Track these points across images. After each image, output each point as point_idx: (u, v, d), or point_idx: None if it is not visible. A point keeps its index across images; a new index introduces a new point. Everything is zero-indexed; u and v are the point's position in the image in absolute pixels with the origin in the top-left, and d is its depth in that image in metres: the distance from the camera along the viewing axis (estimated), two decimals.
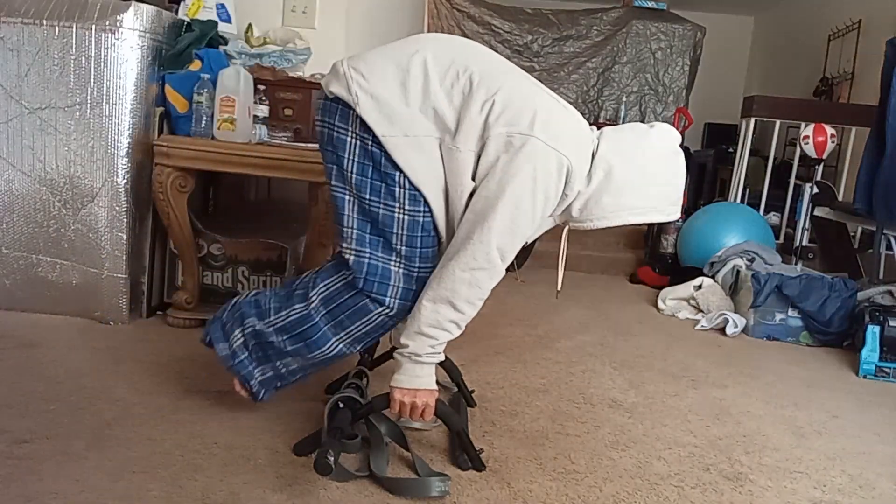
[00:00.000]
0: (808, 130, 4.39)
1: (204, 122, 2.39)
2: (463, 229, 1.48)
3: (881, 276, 3.47)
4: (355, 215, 1.53)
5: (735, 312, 3.31)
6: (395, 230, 1.52)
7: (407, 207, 1.51)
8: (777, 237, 4.64)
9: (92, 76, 2.37)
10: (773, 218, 5.05)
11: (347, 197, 1.53)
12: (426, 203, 1.52)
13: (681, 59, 6.25)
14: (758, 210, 4.72)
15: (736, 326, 3.20)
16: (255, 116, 2.44)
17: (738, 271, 3.50)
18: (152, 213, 2.53)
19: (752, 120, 4.92)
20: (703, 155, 6.40)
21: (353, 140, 1.51)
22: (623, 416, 2.04)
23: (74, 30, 2.35)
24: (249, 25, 2.98)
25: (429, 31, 5.64)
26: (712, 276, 3.67)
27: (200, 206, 2.88)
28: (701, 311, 3.44)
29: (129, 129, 2.40)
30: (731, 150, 5.83)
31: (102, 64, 2.36)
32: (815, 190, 4.19)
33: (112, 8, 2.36)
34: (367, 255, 1.53)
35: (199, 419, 1.74)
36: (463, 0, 6.03)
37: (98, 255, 2.43)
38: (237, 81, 2.36)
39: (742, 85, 8.12)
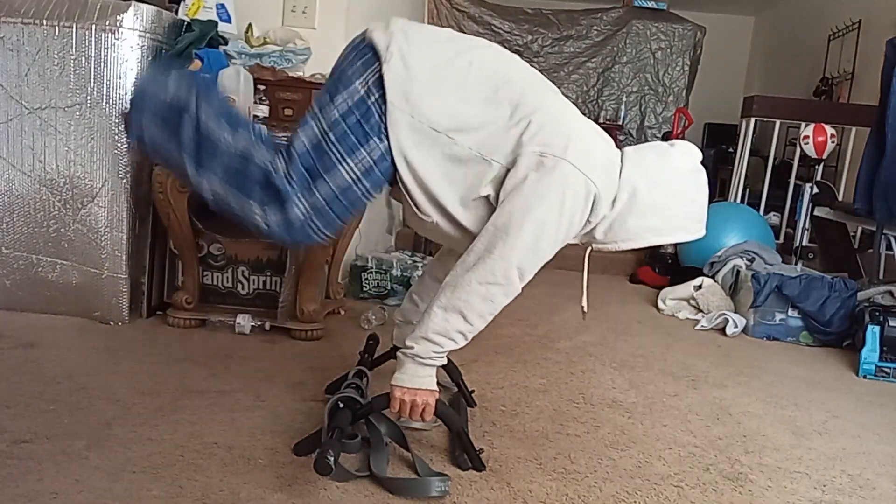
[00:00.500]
0: (808, 130, 4.39)
1: None
2: (483, 240, 1.47)
3: (881, 276, 3.47)
4: (309, 146, 1.50)
5: (735, 312, 3.31)
6: (330, 182, 1.50)
7: (357, 173, 1.49)
8: (777, 237, 4.64)
9: (92, 76, 2.37)
10: (773, 218, 5.06)
11: (315, 127, 1.50)
12: (375, 184, 1.50)
13: (681, 59, 6.25)
14: (758, 210, 4.72)
15: (736, 326, 3.20)
16: (255, 116, 2.44)
17: (738, 271, 3.50)
18: (152, 213, 2.53)
19: (752, 120, 4.92)
20: (703, 155, 6.38)
21: (361, 87, 1.49)
22: (623, 416, 2.04)
23: (74, 30, 2.35)
24: (249, 25, 2.98)
25: None
26: (712, 276, 3.67)
27: (200, 206, 2.88)
28: (701, 311, 3.44)
29: None
30: (731, 150, 5.83)
31: (102, 64, 2.36)
32: (815, 190, 4.19)
33: (112, 8, 2.36)
34: (290, 181, 1.49)
35: (199, 419, 1.74)
36: (463, 0, 6.04)
37: (98, 255, 2.43)
38: (237, 81, 2.36)
39: (742, 85, 8.12)
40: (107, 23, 2.35)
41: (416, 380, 1.53)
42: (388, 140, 1.48)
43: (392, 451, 1.63)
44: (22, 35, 2.36)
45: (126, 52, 2.37)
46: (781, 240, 4.75)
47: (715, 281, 3.60)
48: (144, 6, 2.40)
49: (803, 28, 6.89)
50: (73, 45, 2.36)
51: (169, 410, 1.78)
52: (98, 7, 2.36)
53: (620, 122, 6.18)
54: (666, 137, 5.53)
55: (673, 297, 3.60)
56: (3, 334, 2.23)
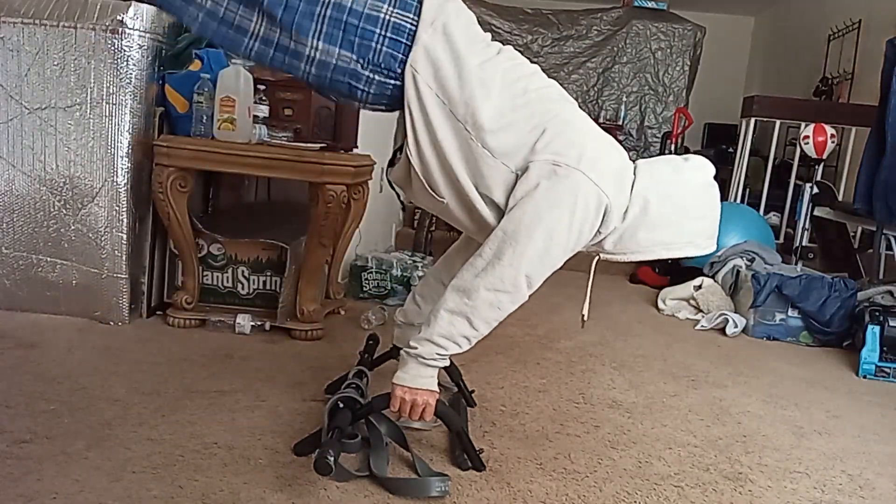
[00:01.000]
0: (808, 130, 4.39)
1: (204, 122, 2.39)
2: (492, 245, 1.47)
3: (881, 276, 3.48)
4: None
5: (735, 312, 3.31)
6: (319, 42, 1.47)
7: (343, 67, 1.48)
8: (777, 237, 4.64)
9: (92, 76, 2.36)
10: (773, 218, 5.06)
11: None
12: (355, 85, 1.49)
13: (681, 59, 6.25)
14: (758, 210, 4.72)
15: (736, 326, 3.20)
16: (255, 116, 2.43)
17: (738, 271, 3.50)
18: (152, 213, 2.53)
19: (752, 120, 4.93)
20: (702, 155, 6.38)
21: (399, 22, 1.48)
22: (623, 416, 2.04)
23: (74, 30, 2.35)
24: None
25: None
26: (712, 276, 3.67)
27: (200, 206, 2.88)
28: (701, 311, 3.44)
29: (129, 129, 2.40)
30: (731, 150, 5.83)
31: (102, 64, 2.36)
32: (815, 190, 4.19)
33: (112, 8, 2.36)
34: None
35: (199, 419, 1.74)
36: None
37: (98, 255, 2.43)
38: (237, 81, 2.36)
39: (742, 85, 8.12)
40: (107, 22, 2.35)
41: (418, 380, 1.53)
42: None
43: (392, 451, 1.63)
44: (22, 35, 2.36)
45: (126, 52, 2.36)
46: (781, 240, 4.75)
47: (715, 281, 3.60)
48: (144, 6, 2.40)
49: (803, 28, 6.89)
50: (73, 45, 2.36)
51: (169, 410, 1.78)
52: (98, 7, 2.36)
53: (620, 122, 6.19)
54: (666, 137, 5.53)
55: (673, 297, 3.60)
56: (3, 334, 2.23)
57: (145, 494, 1.38)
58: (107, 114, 2.38)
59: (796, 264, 3.93)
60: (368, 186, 2.88)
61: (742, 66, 8.30)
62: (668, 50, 6.24)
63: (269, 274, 2.63)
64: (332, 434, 1.49)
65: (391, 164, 1.69)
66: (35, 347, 2.15)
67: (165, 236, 2.59)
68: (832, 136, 4.36)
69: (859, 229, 4.20)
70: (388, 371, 1.72)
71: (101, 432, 1.62)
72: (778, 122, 4.96)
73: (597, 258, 1.64)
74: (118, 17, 2.35)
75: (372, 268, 3.18)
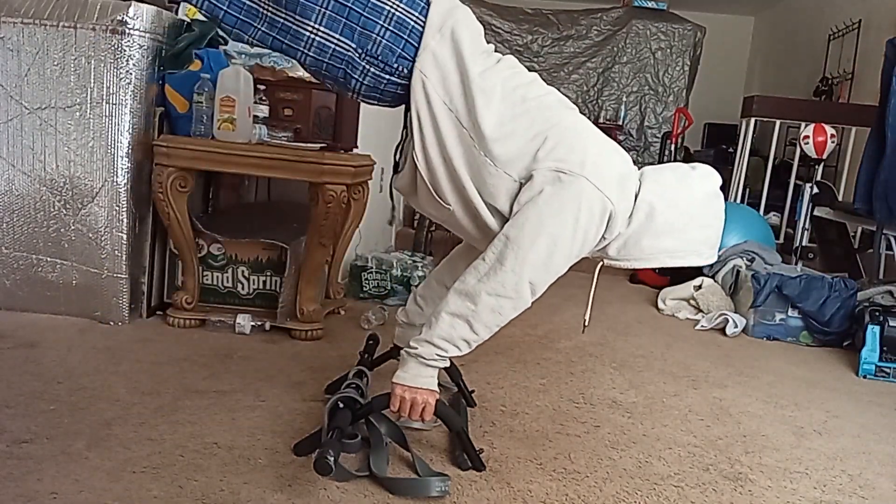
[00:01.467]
0: (808, 130, 4.39)
1: (204, 122, 2.39)
2: (495, 250, 1.48)
3: (881, 276, 3.48)
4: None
5: (735, 312, 3.31)
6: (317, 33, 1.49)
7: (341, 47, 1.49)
8: (777, 237, 4.64)
9: (92, 76, 2.36)
10: (773, 218, 5.06)
11: None
12: (348, 73, 1.51)
13: (681, 59, 6.25)
14: (758, 210, 4.72)
15: (736, 326, 3.20)
16: (255, 116, 2.44)
17: (738, 271, 3.50)
18: (152, 213, 2.53)
19: (752, 120, 4.93)
20: (702, 155, 6.40)
21: (404, 18, 1.50)
22: (623, 416, 2.04)
23: (74, 30, 2.35)
24: None
25: None
26: (712, 276, 3.67)
27: (200, 206, 2.88)
28: (701, 311, 3.44)
29: (129, 129, 2.40)
30: (731, 150, 5.83)
31: (102, 64, 2.36)
32: (815, 190, 4.19)
33: (112, 8, 2.36)
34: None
35: (199, 419, 1.74)
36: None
37: (98, 255, 2.43)
38: (237, 81, 2.36)
39: (742, 85, 8.12)
40: (107, 22, 2.35)
41: (419, 379, 1.53)
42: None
43: (392, 451, 1.63)
44: (22, 35, 2.36)
45: (126, 52, 2.36)
46: (781, 240, 4.75)
47: (715, 281, 3.60)
48: (144, 6, 2.40)
49: (803, 28, 6.89)
50: (73, 45, 2.36)
51: (169, 410, 1.78)
52: (98, 7, 2.36)
53: (620, 122, 6.19)
54: (666, 137, 5.53)
55: (673, 297, 3.60)
56: (3, 334, 2.23)
57: (145, 494, 1.38)
58: (107, 114, 2.38)
59: (796, 264, 3.93)
60: (368, 186, 2.88)
61: (742, 66, 8.30)
62: (668, 50, 6.24)
63: (269, 274, 2.63)
64: (332, 434, 1.49)
65: (395, 171, 1.69)
66: (35, 347, 2.15)
67: (165, 236, 2.59)
68: (832, 136, 4.36)
69: (859, 229, 4.20)
70: (388, 371, 1.72)
71: (101, 432, 1.62)
72: (778, 122, 4.96)
73: (601, 264, 1.64)
74: (118, 17, 2.35)
75: (372, 268, 3.18)
